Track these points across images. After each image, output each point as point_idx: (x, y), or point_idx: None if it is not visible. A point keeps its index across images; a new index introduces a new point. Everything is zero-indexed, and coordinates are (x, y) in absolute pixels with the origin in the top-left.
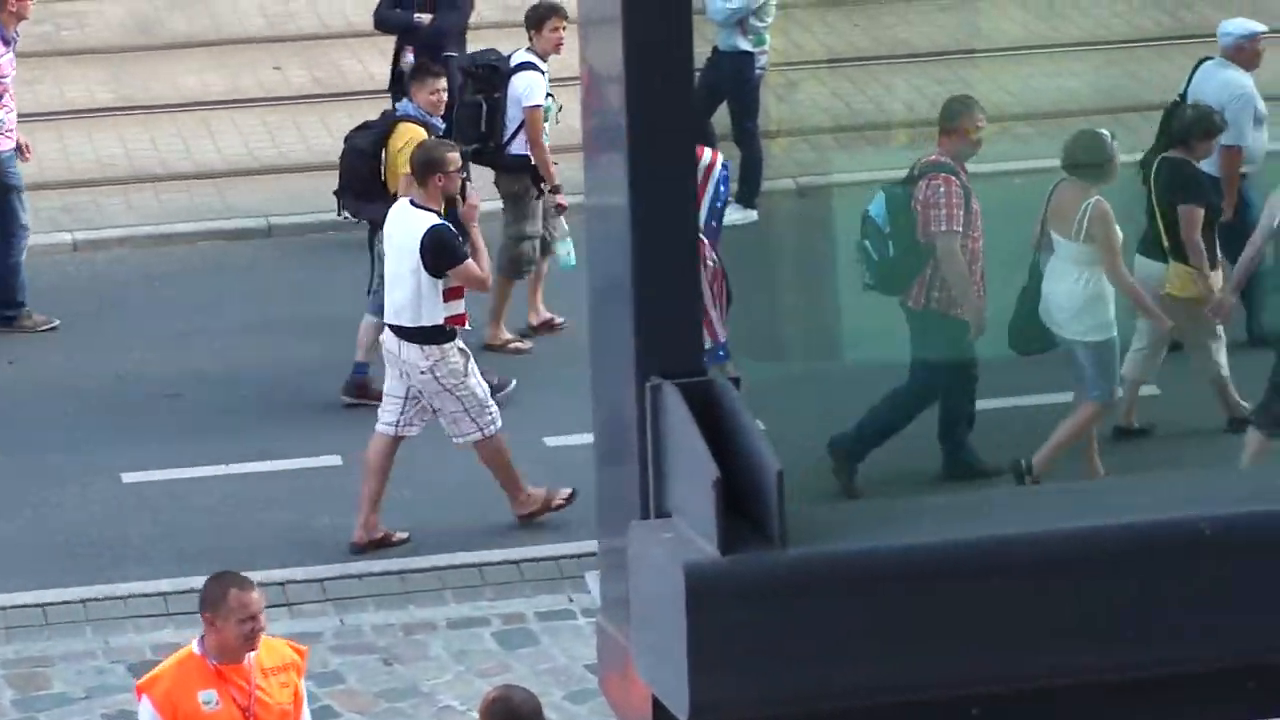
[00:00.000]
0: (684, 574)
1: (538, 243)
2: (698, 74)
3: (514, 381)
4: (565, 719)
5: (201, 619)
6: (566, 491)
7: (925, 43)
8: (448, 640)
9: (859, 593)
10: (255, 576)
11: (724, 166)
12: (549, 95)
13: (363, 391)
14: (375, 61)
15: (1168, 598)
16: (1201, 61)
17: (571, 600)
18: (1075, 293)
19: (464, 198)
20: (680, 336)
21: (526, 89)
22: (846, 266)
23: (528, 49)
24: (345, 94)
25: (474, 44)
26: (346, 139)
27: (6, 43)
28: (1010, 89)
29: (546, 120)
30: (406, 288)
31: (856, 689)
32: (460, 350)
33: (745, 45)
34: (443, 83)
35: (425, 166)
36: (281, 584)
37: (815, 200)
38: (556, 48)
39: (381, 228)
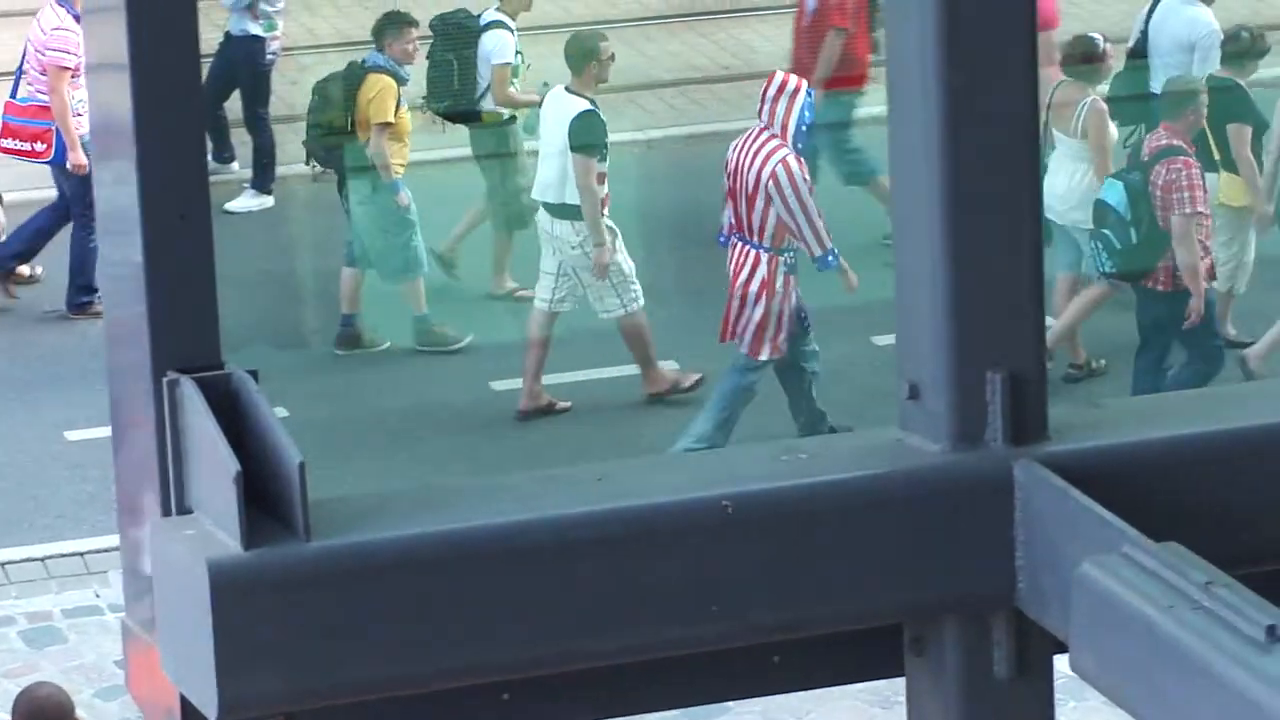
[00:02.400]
0: (207, 571)
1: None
2: (208, 59)
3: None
4: (96, 717)
5: None
6: (696, 376)
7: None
8: None
9: (383, 582)
10: None
11: (809, 92)
12: (517, 53)
13: (354, 343)
14: None
15: (693, 577)
16: (1156, 2)
17: (99, 596)
18: (1075, 185)
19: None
20: (197, 329)
21: (496, 47)
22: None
23: (497, 8)
24: None
25: None
26: (315, 90)
27: (77, 19)
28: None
29: (516, 77)
30: (555, 166)
31: (384, 680)
32: (609, 228)
33: (256, 30)
34: (415, 32)
35: (581, 55)
36: None
37: (330, 185)
38: (527, 6)
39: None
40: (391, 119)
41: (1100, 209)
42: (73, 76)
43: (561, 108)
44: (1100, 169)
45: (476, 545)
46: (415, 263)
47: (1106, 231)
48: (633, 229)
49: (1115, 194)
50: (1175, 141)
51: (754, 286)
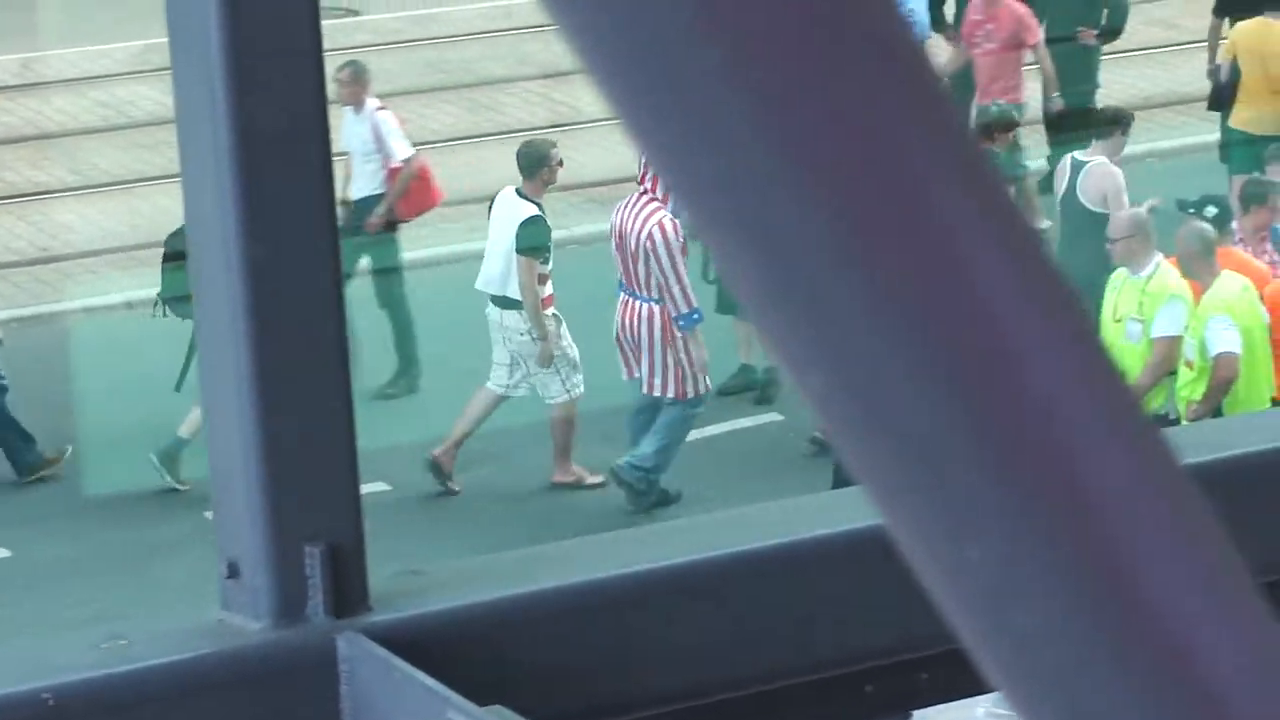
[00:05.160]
0: None
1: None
2: None
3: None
4: None
5: None
6: (600, 478)
7: None
8: None
9: None
10: None
11: None
12: None
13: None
14: None
15: None
16: None
17: None
18: None
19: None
20: None
21: None
22: None
23: None
24: None
25: None
26: (168, 241)
27: None
28: None
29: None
30: (501, 262)
31: None
32: (555, 316)
33: None
34: None
35: (535, 161)
36: None
37: None
38: None
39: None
40: None
41: None
42: None
43: (511, 210)
44: None
45: None
46: None
47: None
48: None
49: None
50: None
51: (650, 333)
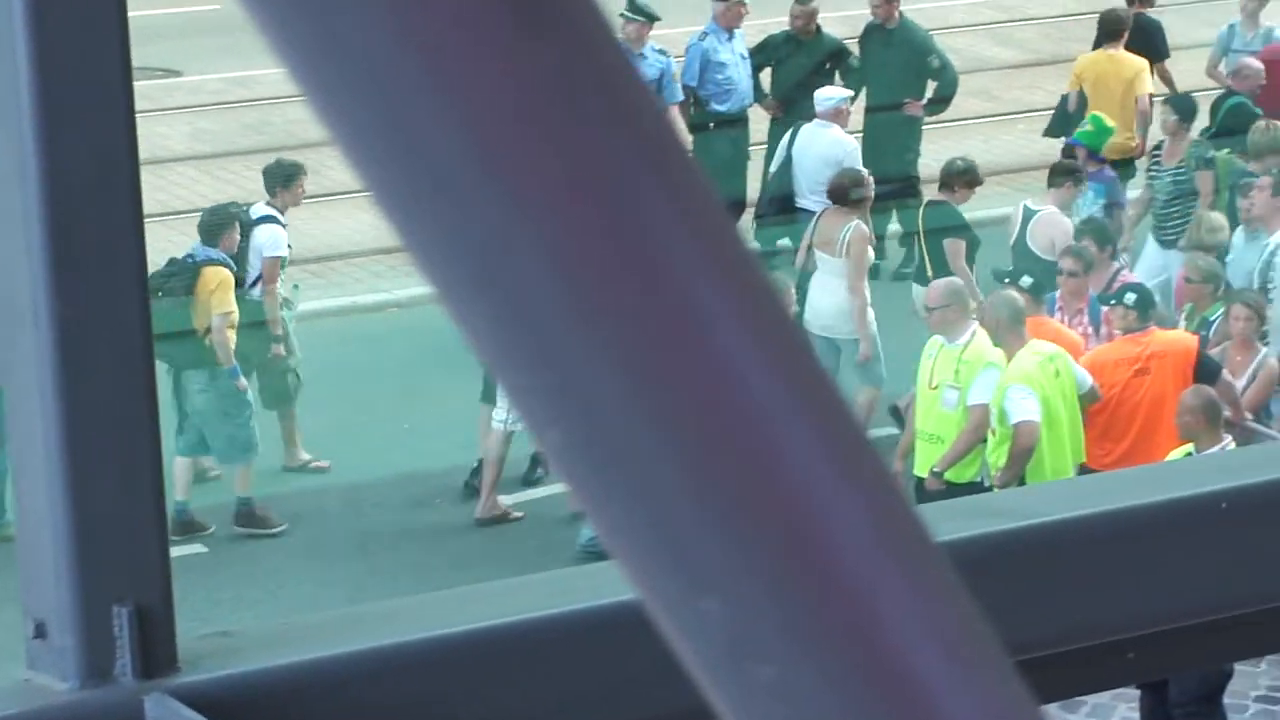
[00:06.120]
0: None
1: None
2: None
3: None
4: None
5: None
6: (519, 515)
7: None
8: None
9: None
10: None
11: None
12: (288, 246)
13: (190, 528)
14: None
15: None
16: (799, 126)
17: None
18: (843, 300)
19: None
20: None
21: (269, 240)
22: None
23: (267, 203)
24: None
25: None
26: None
27: None
28: None
29: (282, 270)
30: None
31: None
32: None
33: None
34: (238, 226)
35: None
36: None
37: None
38: (297, 201)
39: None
40: (233, 308)
41: None
42: None
43: None
44: (855, 284)
45: None
46: (253, 444)
47: None
48: None
49: None
50: None
51: None
